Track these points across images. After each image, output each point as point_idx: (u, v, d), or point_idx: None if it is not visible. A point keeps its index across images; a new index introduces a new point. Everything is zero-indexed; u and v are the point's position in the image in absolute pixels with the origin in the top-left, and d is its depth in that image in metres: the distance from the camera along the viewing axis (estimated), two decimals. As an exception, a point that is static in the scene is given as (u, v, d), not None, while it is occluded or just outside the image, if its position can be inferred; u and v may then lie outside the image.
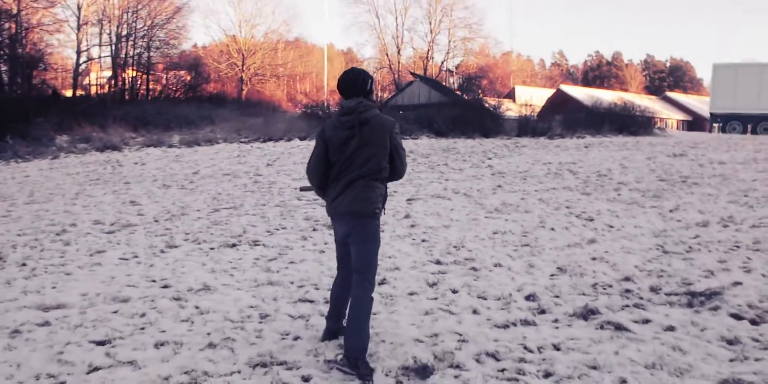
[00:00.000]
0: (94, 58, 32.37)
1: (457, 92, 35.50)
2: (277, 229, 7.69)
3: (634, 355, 3.68)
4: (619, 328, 4.14)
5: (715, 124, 30.31)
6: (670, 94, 60.12)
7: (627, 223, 7.64)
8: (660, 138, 23.04)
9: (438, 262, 6.04)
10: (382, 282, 5.34)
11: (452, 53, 43.47)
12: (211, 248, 6.79)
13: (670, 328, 4.13)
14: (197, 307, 4.76)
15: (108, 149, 18.44)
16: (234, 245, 6.91)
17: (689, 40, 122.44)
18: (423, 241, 6.93)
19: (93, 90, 33.51)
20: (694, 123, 53.15)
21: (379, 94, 39.18)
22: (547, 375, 3.49)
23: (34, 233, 7.70)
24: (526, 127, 25.78)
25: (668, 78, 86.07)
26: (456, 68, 46.30)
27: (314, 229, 7.65)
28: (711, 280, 5.17)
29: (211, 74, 38.10)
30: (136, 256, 6.47)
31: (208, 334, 4.22)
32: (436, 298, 4.94)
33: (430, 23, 41.72)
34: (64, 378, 3.61)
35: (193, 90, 33.84)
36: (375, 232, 3.68)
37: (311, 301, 4.94)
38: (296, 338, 4.13)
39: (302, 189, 4.63)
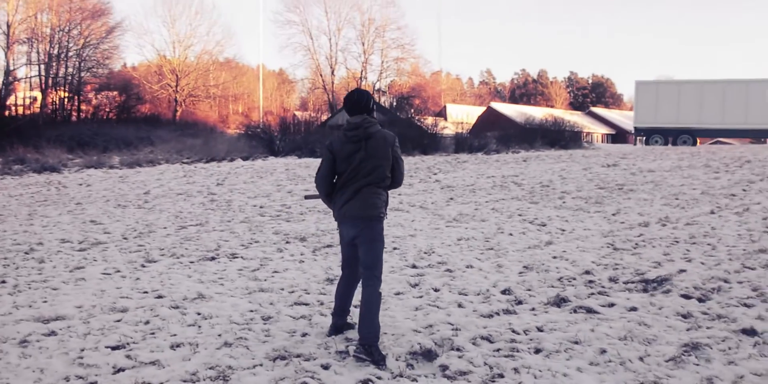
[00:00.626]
0: (21, 78, 31.47)
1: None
2: (251, 243, 7.99)
3: (608, 331, 4.28)
4: (589, 311, 4.74)
5: (639, 137, 32.37)
6: (594, 109, 63.41)
7: (577, 227, 8.38)
8: (590, 151, 24.46)
9: (414, 266, 6.52)
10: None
11: (385, 74, 44.58)
12: (191, 262, 7.04)
13: (633, 309, 4.77)
14: (199, 314, 5.05)
15: (46, 171, 18.09)
16: (213, 258, 7.17)
17: (609, 57, 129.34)
18: (395, 248, 7.40)
19: (20, 110, 32.45)
20: (618, 136, 56.25)
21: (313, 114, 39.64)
22: (538, 351, 4.02)
23: (1, 252, 7.70)
24: (463, 143, 26.86)
25: (591, 94, 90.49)
26: (388, 88, 47.38)
27: (287, 242, 7.99)
28: (659, 270, 5.89)
29: (145, 95, 37.58)
30: (119, 271, 6.64)
31: (219, 335, 4.53)
32: (421, 296, 5.42)
33: (363, 44, 42.76)
34: (93, 378, 3.85)
35: (126, 111, 33.32)
36: (381, 233, 4.14)
37: (306, 304, 5.30)
38: (304, 335, 4.51)
39: (307, 197, 5.03)
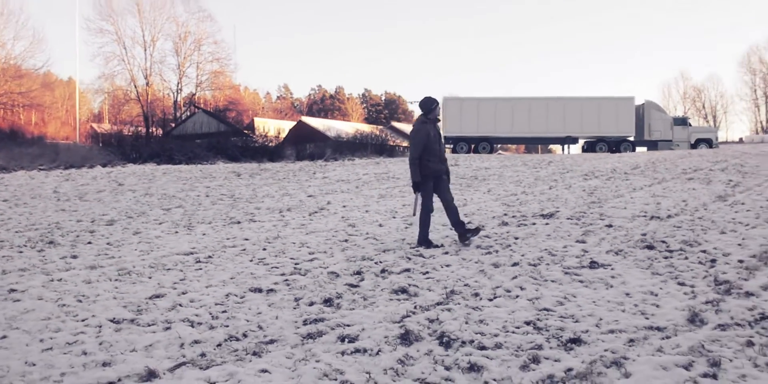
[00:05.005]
0: None
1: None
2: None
3: (541, 230, 8.47)
4: (524, 225, 8.91)
5: (447, 145, 38.82)
6: (395, 124, 70.92)
7: (473, 197, 12.68)
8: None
9: (352, 225, 10.18)
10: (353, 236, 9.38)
11: (200, 87, 46.54)
12: (222, 226, 9.96)
13: (546, 224, 9.04)
14: (293, 242, 8.29)
15: None
16: (238, 222, 10.16)
17: (399, 76, 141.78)
18: (343, 218, 11.00)
19: None
20: (417, 149, 63.88)
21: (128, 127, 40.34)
22: (508, 245, 8.05)
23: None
24: (303, 152, 30.64)
25: (384, 110, 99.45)
26: (203, 102, 49.27)
27: (289, 210, 11.16)
28: (545, 210, 10.32)
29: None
30: (177, 232, 9.38)
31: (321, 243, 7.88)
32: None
33: (179, 56, 44.37)
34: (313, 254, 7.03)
35: None
36: (416, 189, 7.81)
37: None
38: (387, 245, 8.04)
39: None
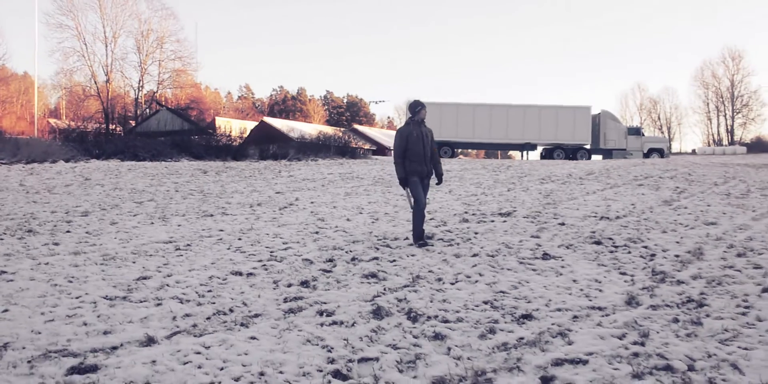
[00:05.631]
0: None
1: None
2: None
3: (499, 226, 9.13)
4: (484, 222, 9.56)
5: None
6: (357, 126, 71.37)
7: (435, 197, 13.31)
8: (374, 160, 30.23)
9: (322, 219, 10.73)
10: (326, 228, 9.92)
11: (162, 85, 46.32)
12: (196, 218, 10.37)
13: (504, 221, 9.71)
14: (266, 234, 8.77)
15: None
16: (211, 215, 10.58)
17: (360, 79, 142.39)
18: (312, 212, 11.52)
19: None
20: (378, 151, 64.59)
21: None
22: (468, 239, 8.68)
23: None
24: (266, 152, 30.92)
25: (346, 113, 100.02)
26: (165, 100, 49.04)
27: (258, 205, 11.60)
28: (503, 210, 11.00)
29: None
30: (153, 223, 9.76)
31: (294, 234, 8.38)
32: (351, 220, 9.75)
33: (141, 54, 44.11)
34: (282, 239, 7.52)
35: None
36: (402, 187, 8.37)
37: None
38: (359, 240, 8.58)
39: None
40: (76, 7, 41.94)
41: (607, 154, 36.78)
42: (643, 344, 4.29)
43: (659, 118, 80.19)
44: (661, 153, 36.61)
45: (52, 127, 48.73)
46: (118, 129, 39.35)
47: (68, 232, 8.83)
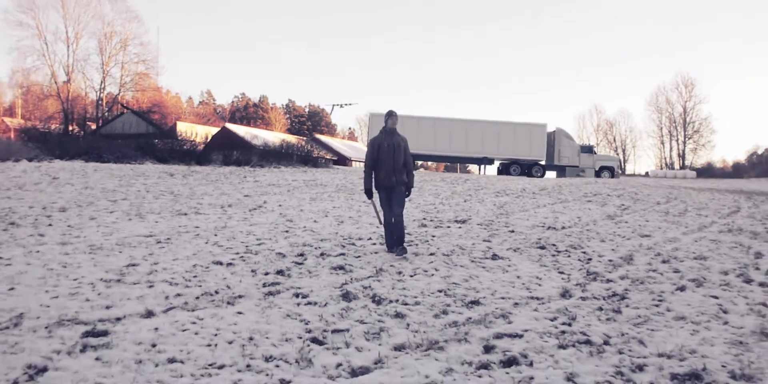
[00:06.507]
0: None
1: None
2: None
3: (456, 231, 10.00)
4: (441, 228, 10.42)
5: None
6: (318, 136, 71.99)
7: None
8: (335, 169, 30.97)
9: (290, 220, 11.49)
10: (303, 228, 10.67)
11: (124, 88, 46.26)
12: (171, 216, 10.96)
13: (459, 228, 10.58)
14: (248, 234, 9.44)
15: None
16: (185, 214, 11.19)
17: (324, 89, 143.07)
18: (281, 214, 12.24)
19: None
20: (339, 161, 65.30)
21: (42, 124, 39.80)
22: (434, 236, 9.52)
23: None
24: (230, 158, 31.41)
25: (308, 122, 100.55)
26: (126, 102, 48.97)
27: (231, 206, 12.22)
28: (459, 217, 11.87)
29: None
30: (131, 219, 10.34)
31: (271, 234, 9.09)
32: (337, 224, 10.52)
33: (103, 55, 44.03)
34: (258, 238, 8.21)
35: None
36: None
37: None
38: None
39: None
40: (37, 5, 41.69)
41: (561, 170, 38.27)
42: (570, 325, 5.15)
43: (614, 140, 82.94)
44: (611, 171, 38.27)
45: (7, 126, 48.12)
46: (77, 130, 39.27)
47: (50, 225, 9.36)
